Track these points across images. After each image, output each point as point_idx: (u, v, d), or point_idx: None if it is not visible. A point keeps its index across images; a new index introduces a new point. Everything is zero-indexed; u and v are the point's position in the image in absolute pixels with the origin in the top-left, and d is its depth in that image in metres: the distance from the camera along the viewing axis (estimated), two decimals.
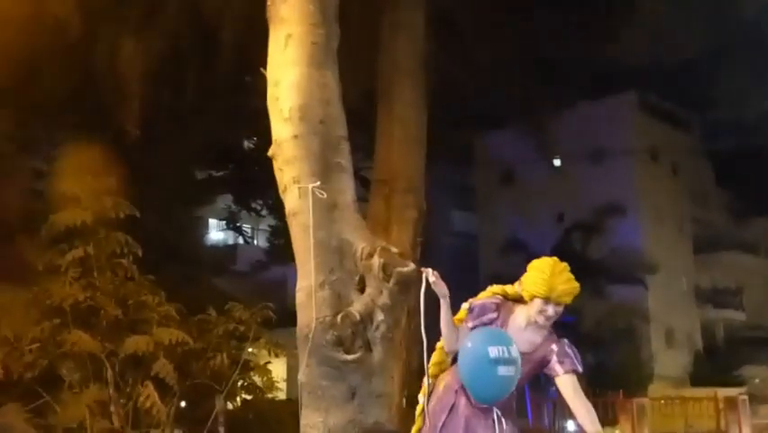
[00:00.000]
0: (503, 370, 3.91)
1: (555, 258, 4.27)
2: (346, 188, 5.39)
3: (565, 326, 19.29)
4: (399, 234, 10.27)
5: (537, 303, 4.22)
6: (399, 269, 5.10)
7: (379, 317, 5.11)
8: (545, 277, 4.18)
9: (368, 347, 5.07)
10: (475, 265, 35.18)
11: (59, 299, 9.09)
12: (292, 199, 5.27)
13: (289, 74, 5.45)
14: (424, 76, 10.78)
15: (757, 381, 29.22)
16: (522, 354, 4.14)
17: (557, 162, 35.33)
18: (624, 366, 27.20)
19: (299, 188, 5.21)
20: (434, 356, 4.52)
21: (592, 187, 32.25)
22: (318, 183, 5.17)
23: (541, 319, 4.25)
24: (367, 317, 5.10)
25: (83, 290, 9.33)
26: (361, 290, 5.20)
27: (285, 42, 5.54)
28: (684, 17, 13.72)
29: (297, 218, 5.23)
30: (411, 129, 10.56)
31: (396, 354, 5.56)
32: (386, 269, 5.08)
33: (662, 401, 19.71)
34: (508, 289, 4.45)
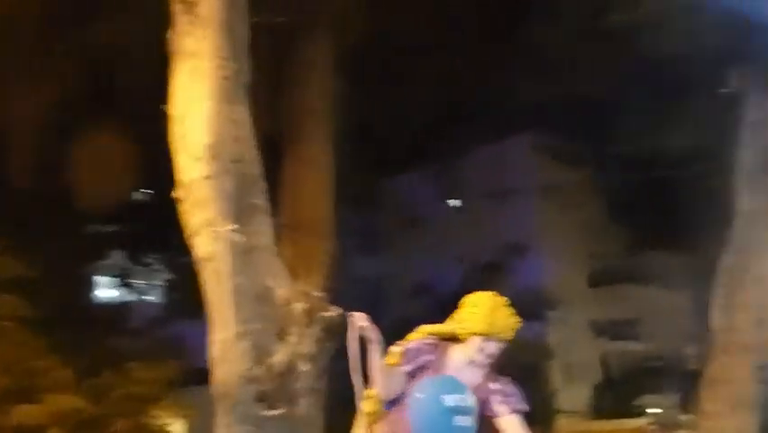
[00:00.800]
0: (460, 420, 3.57)
1: (494, 292, 3.97)
2: (264, 230, 5.03)
3: None
4: (307, 279, 9.84)
5: (476, 341, 3.88)
6: (323, 314, 4.76)
7: (303, 367, 4.74)
8: (484, 312, 3.86)
9: (292, 401, 4.68)
10: (381, 310, 34.77)
11: None
12: (204, 244, 4.86)
13: (198, 110, 5.08)
14: (333, 116, 10.48)
15: (661, 410, 29.78)
16: None
17: (460, 205, 35.56)
18: (531, 402, 27.24)
19: (213, 231, 4.80)
20: (366, 406, 4.15)
21: (494, 227, 32.54)
22: (234, 226, 4.78)
23: (481, 358, 3.91)
24: (290, 368, 4.72)
25: None
26: (284, 339, 4.82)
27: (192, 77, 5.17)
28: (575, 55, 13.92)
29: (211, 265, 4.82)
30: (320, 171, 10.20)
31: (323, 405, 5.16)
32: (309, 315, 4.73)
33: None
34: (443, 328, 4.11)
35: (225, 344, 4.65)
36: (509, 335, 3.90)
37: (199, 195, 4.92)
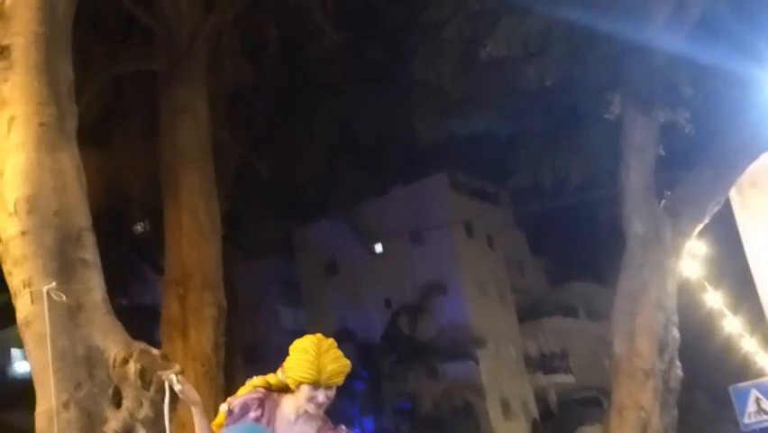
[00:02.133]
0: None
1: (319, 335, 3.67)
2: (93, 286, 4.61)
3: (402, 412, 18.72)
4: (198, 336, 9.44)
5: (305, 390, 3.58)
6: (160, 373, 4.35)
7: (142, 432, 4.32)
8: (311, 359, 3.56)
9: None
10: None
11: None
12: (24, 306, 4.43)
13: (14, 161, 4.68)
14: (210, 161, 10.16)
15: None
16: None
17: (379, 248, 35.51)
18: None
19: (31, 292, 4.38)
20: None
21: (415, 268, 32.51)
22: (54, 284, 4.37)
23: (311, 408, 3.61)
24: None
25: None
26: (118, 403, 4.40)
27: (8, 126, 4.78)
28: (462, 90, 13.92)
29: (32, 328, 4.39)
30: (201, 219, 9.83)
31: None
32: (144, 375, 4.32)
33: None
34: (271, 378, 3.80)
35: (49, 415, 4.19)
36: (339, 380, 3.62)
37: (16, 253, 4.50)
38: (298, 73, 15.99)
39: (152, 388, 4.33)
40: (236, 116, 13.87)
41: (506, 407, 33.43)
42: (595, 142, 12.84)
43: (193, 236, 9.78)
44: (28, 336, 4.44)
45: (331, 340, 3.66)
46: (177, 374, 4.34)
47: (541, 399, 36.22)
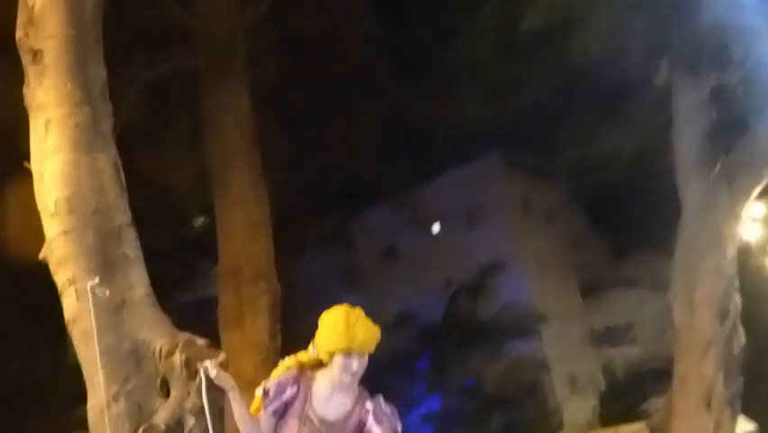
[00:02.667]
0: None
1: (347, 305, 3.71)
2: (136, 281, 4.70)
3: (467, 390, 18.71)
4: (254, 325, 9.57)
5: (338, 360, 3.62)
6: (206, 362, 4.40)
7: (191, 421, 4.39)
8: (341, 328, 3.59)
9: None
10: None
11: None
12: (70, 304, 4.54)
13: (53, 163, 4.79)
14: (257, 155, 10.26)
15: (656, 411, 29.29)
16: (335, 422, 3.57)
17: (436, 230, 35.46)
18: (532, 421, 26.83)
19: (76, 290, 4.48)
20: None
21: (474, 248, 32.32)
22: (97, 280, 4.45)
23: (346, 378, 3.64)
24: (176, 426, 4.37)
25: None
26: (167, 394, 4.48)
27: (45, 129, 4.89)
28: (517, 68, 13.78)
29: (78, 325, 4.50)
30: (252, 212, 9.96)
31: None
32: (190, 365, 4.39)
33: None
34: (302, 356, 3.82)
35: (100, 409, 4.29)
36: (371, 347, 3.66)
37: (60, 253, 4.61)
38: (339, 63, 16.01)
39: (198, 377, 4.37)
40: (280, 110, 13.97)
41: (572, 382, 33.16)
42: (647, 109, 12.61)
43: (244, 228, 9.92)
44: (75, 334, 4.55)
45: (359, 309, 3.70)
46: (217, 362, 4.40)
47: (608, 372, 35.81)
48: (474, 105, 16.93)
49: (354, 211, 32.67)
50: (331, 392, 3.66)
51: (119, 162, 5.09)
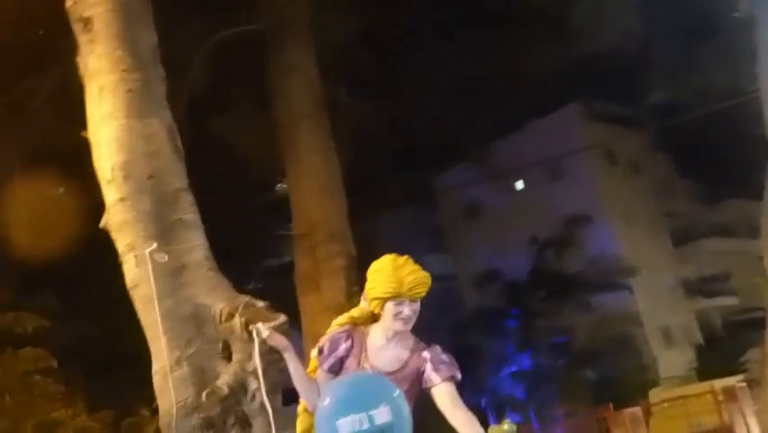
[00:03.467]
0: None
1: (393, 255, 3.59)
2: (195, 245, 4.66)
3: (558, 346, 18.31)
4: (330, 286, 9.53)
5: (390, 307, 3.49)
6: (267, 324, 4.33)
7: (253, 384, 4.34)
8: (389, 273, 3.44)
9: (245, 423, 4.29)
10: (460, 305, 34.44)
11: None
12: (130, 270, 4.53)
13: (107, 130, 4.76)
14: (325, 117, 10.14)
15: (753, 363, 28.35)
16: (393, 373, 3.44)
17: (519, 185, 34.93)
18: (626, 375, 26.32)
19: (135, 256, 4.46)
20: (299, 424, 3.74)
21: (558, 202, 31.69)
22: (155, 246, 4.43)
23: (399, 325, 3.50)
24: (239, 389, 4.33)
25: None
26: (229, 357, 4.44)
27: (99, 96, 4.86)
28: (594, 12, 13.27)
29: (138, 291, 4.49)
30: (322, 175, 9.88)
31: (282, 423, 4.74)
32: (250, 327, 4.32)
33: (665, 404, 18.77)
34: (354, 312, 3.72)
35: (163, 373, 4.28)
36: (423, 290, 3.47)
37: (117, 219, 4.59)
38: (411, 17, 15.72)
39: (258, 339, 4.31)
40: (354, 68, 13.82)
41: (666, 335, 32.39)
42: (731, 45, 11.99)
43: (315, 191, 9.85)
44: (137, 299, 4.54)
45: (406, 256, 3.57)
46: (274, 324, 4.33)
47: (704, 324, 34.83)
48: (548, 53, 16.46)
49: (435, 170, 32.43)
50: (385, 343, 3.55)
51: (174, 126, 5.04)
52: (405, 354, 3.53)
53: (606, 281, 28.36)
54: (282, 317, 4.41)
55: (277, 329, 4.35)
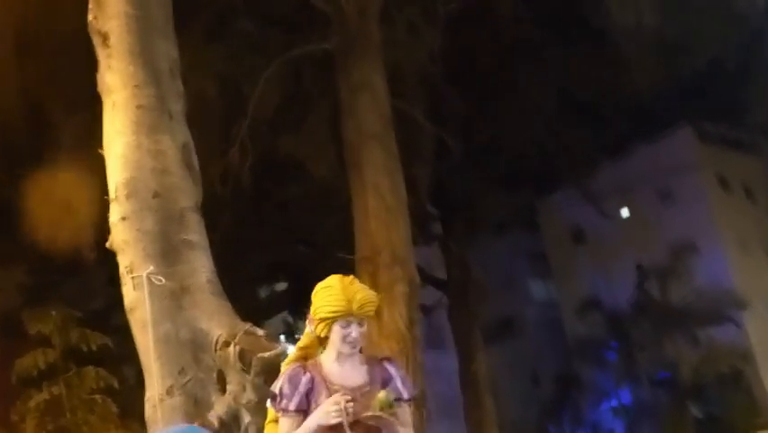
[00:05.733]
0: None
1: (340, 275, 3.33)
2: (198, 267, 4.43)
3: (661, 382, 17.34)
4: (391, 313, 9.18)
5: (337, 331, 3.26)
6: (261, 355, 4.06)
7: (246, 418, 4.06)
8: (337, 292, 3.25)
9: None
10: (562, 333, 33.51)
11: None
12: (128, 293, 4.34)
13: (116, 146, 4.61)
14: (392, 137, 9.85)
15: None
16: (363, 386, 3.26)
17: (625, 212, 33.77)
18: (734, 415, 24.78)
19: (132, 278, 4.26)
20: None
21: (666, 230, 30.44)
22: (151, 268, 4.22)
23: (347, 348, 3.27)
24: (231, 421, 4.06)
25: None
26: (224, 388, 4.18)
27: (112, 112, 4.73)
28: (686, 28, 12.58)
29: (135, 314, 4.29)
30: (386, 196, 9.56)
31: None
32: (244, 358, 4.05)
33: None
34: (300, 342, 3.44)
35: (155, 401, 4.05)
36: (371, 309, 3.30)
37: (119, 239, 4.41)
38: (507, 35, 15.32)
39: (253, 370, 4.04)
40: (455, 87, 13.56)
41: None
42: None
43: (379, 213, 9.55)
44: (133, 322, 4.36)
45: (351, 276, 3.32)
46: (273, 353, 4.05)
47: None
48: (646, 73, 15.74)
49: (539, 194, 31.73)
50: (339, 367, 3.27)
51: (190, 144, 4.85)
52: (363, 367, 3.33)
53: (715, 314, 26.86)
54: (280, 348, 4.12)
55: (274, 359, 4.08)
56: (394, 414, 3.19)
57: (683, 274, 27.65)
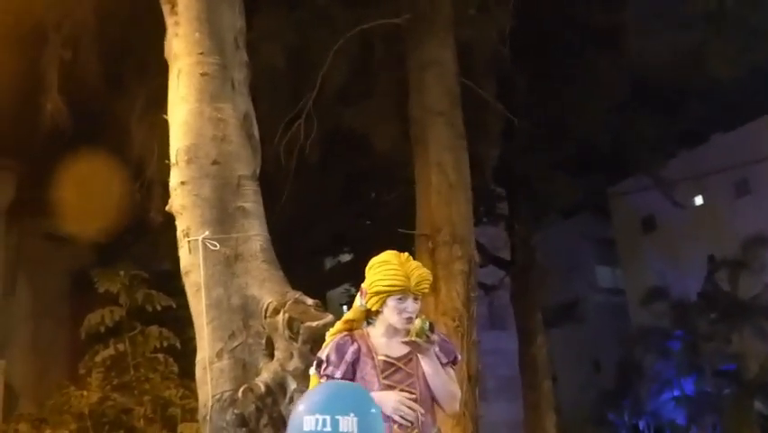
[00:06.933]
0: None
1: (395, 251, 3.36)
2: (253, 234, 4.51)
3: (725, 374, 17.00)
4: (448, 290, 9.17)
5: (392, 304, 3.29)
6: (309, 324, 4.13)
7: (292, 385, 4.14)
8: (395, 268, 3.26)
9: (279, 424, 4.09)
10: (626, 321, 33.05)
11: (77, 405, 8.61)
12: (184, 256, 4.45)
13: (180, 113, 4.71)
14: (459, 114, 9.79)
15: None
16: (403, 357, 3.30)
17: (699, 201, 32.97)
18: None
19: (188, 241, 4.37)
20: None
21: (741, 221, 29.63)
22: (208, 233, 4.32)
23: (401, 322, 3.29)
24: (277, 388, 4.14)
25: (113, 390, 8.84)
26: (272, 354, 4.26)
27: (177, 79, 4.83)
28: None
29: (190, 277, 4.40)
30: (450, 174, 9.51)
31: None
32: (292, 326, 4.13)
33: None
34: (348, 315, 3.48)
35: (205, 363, 4.17)
36: (426, 287, 3.35)
37: (177, 203, 4.52)
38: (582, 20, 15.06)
39: (300, 338, 4.11)
40: (505, 72, 13.40)
41: None
42: None
43: (441, 191, 9.52)
44: (187, 285, 4.47)
45: (407, 253, 3.40)
46: (321, 324, 4.11)
47: None
48: (726, 61, 15.28)
49: (610, 179, 31.21)
50: (387, 340, 3.31)
51: (251, 113, 4.93)
52: (406, 348, 3.33)
53: None
54: (329, 317, 4.18)
55: (321, 329, 4.14)
56: (430, 341, 3.21)
57: (756, 267, 26.93)
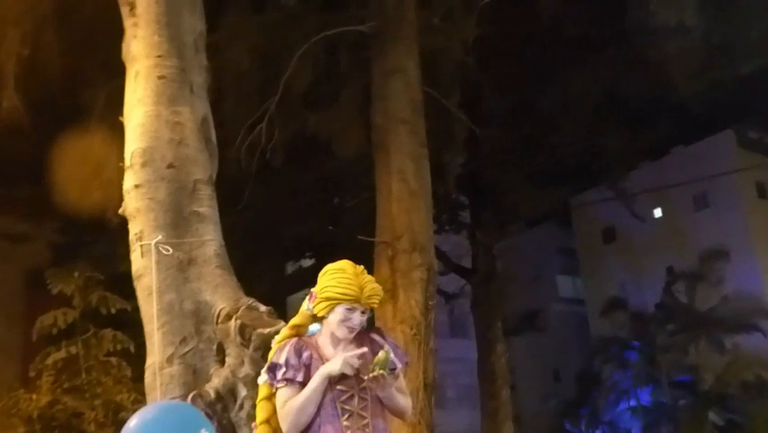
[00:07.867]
0: None
1: (350, 261, 3.32)
2: (207, 239, 4.48)
3: (681, 385, 17.17)
4: (407, 298, 9.17)
5: (339, 312, 3.23)
6: (261, 330, 4.10)
7: (243, 392, 4.10)
8: (349, 277, 3.22)
9: (228, 431, 4.06)
10: (586, 331, 33.36)
11: (26, 408, 8.47)
12: (136, 260, 4.40)
13: (136, 115, 4.67)
14: (422, 123, 9.82)
15: None
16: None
17: (658, 213, 33.42)
18: (756, 424, 24.47)
19: (141, 245, 4.33)
20: (260, 412, 3.48)
21: (700, 234, 30.10)
22: (160, 237, 4.28)
23: (343, 332, 3.24)
24: (227, 395, 4.10)
25: (64, 394, 8.71)
26: (223, 360, 4.23)
27: (134, 81, 4.79)
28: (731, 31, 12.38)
29: (141, 281, 4.35)
30: (411, 182, 9.52)
31: None
32: (244, 332, 4.10)
33: None
34: (295, 320, 3.42)
35: (155, 368, 4.12)
36: (376, 301, 3.29)
37: (131, 206, 4.48)
38: (552, 32, 15.19)
39: (251, 345, 4.08)
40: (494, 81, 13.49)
41: None
42: None
43: (402, 199, 9.52)
44: (139, 289, 4.42)
45: (362, 266, 3.34)
46: (274, 330, 4.07)
47: None
48: (688, 77, 15.49)
49: (574, 190, 31.49)
50: (334, 350, 3.28)
51: (209, 118, 4.89)
52: (352, 346, 3.27)
53: (742, 321, 26.49)
54: (282, 324, 4.15)
55: (273, 336, 4.10)
56: (394, 375, 3.18)
57: (713, 280, 27.33)
